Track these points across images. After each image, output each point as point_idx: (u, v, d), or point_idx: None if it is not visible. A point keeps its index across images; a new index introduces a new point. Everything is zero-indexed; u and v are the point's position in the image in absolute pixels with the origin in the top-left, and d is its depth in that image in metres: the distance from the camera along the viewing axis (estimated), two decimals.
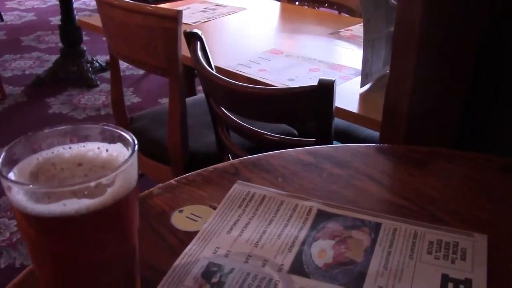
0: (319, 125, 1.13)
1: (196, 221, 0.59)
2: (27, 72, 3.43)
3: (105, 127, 0.44)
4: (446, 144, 0.85)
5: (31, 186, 0.40)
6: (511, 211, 0.61)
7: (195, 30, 1.29)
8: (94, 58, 3.42)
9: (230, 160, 1.14)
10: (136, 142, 0.42)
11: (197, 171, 0.68)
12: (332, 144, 1.10)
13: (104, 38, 1.57)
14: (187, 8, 2.09)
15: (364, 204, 0.61)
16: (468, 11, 0.83)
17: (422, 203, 0.62)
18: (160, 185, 0.65)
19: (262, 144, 1.25)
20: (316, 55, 1.61)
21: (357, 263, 0.52)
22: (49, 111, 2.91)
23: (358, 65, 1.42)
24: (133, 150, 0.41)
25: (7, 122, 2.81)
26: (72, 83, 3.22)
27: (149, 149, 1.58)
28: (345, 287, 0.50)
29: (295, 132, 1.62)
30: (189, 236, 0.56)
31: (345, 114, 1.27)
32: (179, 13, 1.35)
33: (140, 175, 1.71)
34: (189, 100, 1.65)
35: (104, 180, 0.38)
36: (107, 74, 3.33)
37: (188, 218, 0.59)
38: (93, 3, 4.95)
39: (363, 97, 1.35)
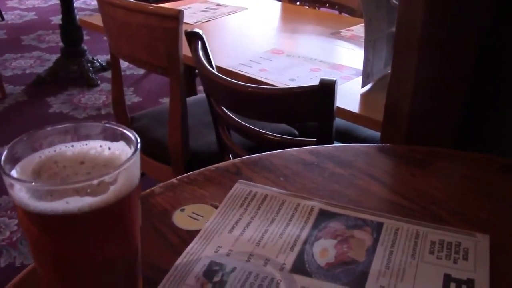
0: (320, 125, 1.13)
1: (197, 220, 0.59)
2: (27, 72, 3.43)
3: (108, 125, 0.44)
4: (447, 144, 0.86)
5: (33, 183, 0.39)
6: None
7: (196, 30, 1.29)
8: (94, 58, 3.42)
9: (230, 160, 1.14)
10: (139, 140, 0.42)
11: (199, 170, 0.68)
12: (333, 144, 1.10)
13: (104, 38, 1.57)
14: (188, 7, 2.09)
15: (366, 204, 0.61)
16: (469, 11, 0.83)
17: (423, 203, 0.62)
18: (162, 184, 0.65)
19: (263, 144, 1.25)
20: (317, 55, 1.61)
21: (359, 262, 0.52)
22: (50, 111, 2.91)
23: (359, 65, 1.42)
24: (136, 148, 0.41)
25: (7, 121, 2.81)
26: (73, 82, 3.22)
27: (149, 149, 1.58)
28: (347, 287, 0.49)
29: (296, 132, 1.62)
30: (191, 235, 0.56)
31: (346, 114, 1.27)
32: (180, 12, 1.35)
33: (141, 175, 1.70)
34: (189, 99, 1.65)
35: (106, 178, 0.38)
36: (107, 74, 3.33)
37: (190, 217, 0.59)
38: (94, 2, 4.95)
39: (364, 97, 1.35)
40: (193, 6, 2.12)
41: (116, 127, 0.44)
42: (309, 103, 1.11)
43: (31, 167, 0.42)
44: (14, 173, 0.40)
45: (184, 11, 1.38)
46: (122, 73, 1.75)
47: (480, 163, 0.71)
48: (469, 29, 0.84)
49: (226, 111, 1.30)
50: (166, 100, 2.99)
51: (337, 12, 2.32)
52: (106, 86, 3.18)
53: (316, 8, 2.36)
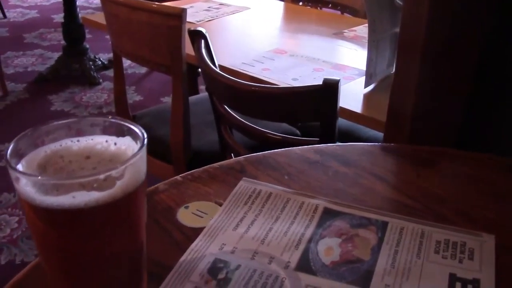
0: (323, 124, 1.13)
1: (202, 217, 0.59)
2: (29, 69, 3.43)
3: (114, 120, 0.44)
4: (449, 145, 0.85)
5: (39, 177, 0.39)
6: None
7: (199, 28, 1.29)
8: (96, 56, 3.42)
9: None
10: (145, 135, 0.41)
11: (203, 167, 0.68)
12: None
13: (107, 36, 1.57)
14: (191, 7, 2.09)
15: (370, 203, 0.61)
16: (473, 12, 0.83)
17: (428, 202, 0.62)
18: (166, 181, 0.65)
19: (265, 143, 1.25)
20: (320, 55, 1.61)
21: (364, 261, 0.52)
22: (51, 109, 2.91)
23: (362, 66, 1.42)
24: (143, 144, 0.41)
25: (9, 119, 2.81)
26: (74, 80, 3.22)
27: (151, 147, 1.57)
28: (352, 285, 0.49)
29: (298, 132, 1.61)
30: (195, 232, 0.56)
31: (348, 114, 1.27)
32: (183, 11, 1.35)
33: None
34: (191, 98, 1.65)
35: (113, 173, 0.38)
36: (109, 72, 3.33)
37: (194, 214, 0.59)
38: (96, 1, 4.96)
39: (367, 97, 1.35)
40: (195, 5, 2.12)
41: (122, 122, 0.44)
42: (312, 102, 1.11)
43: (37, 161, 0.42)
44: (20, 167, 0.40)
45: (187, 10, 1.38)
46: (124, 71, 1.75)
47: (485, 163, 0.71)
48: (473, 29, 0.84)
49: (229, 110, 1.30)
50: (167, 99, 2.99)
51: (339, 12, 2.32)
52: (108, 85, 3.18)
53: (318, 8, 2.36)
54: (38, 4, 4.95)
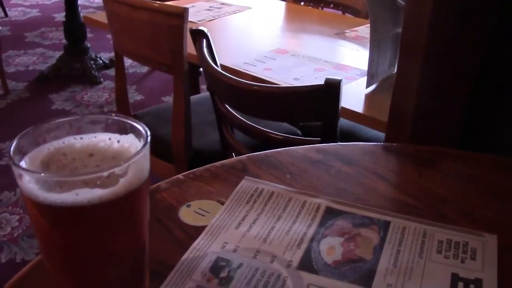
0: (324, 124, 1.13)
1: (204, 216, 0.59)
2: (30, 68, 3.43)
3: (117, 118, 0.44)
4: (451, 145, 0.85)
5: (42, 174, 0.39)
6: None
7: (201, 28, 1.29)
8: (97, 55, 3.42)
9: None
10: (149, 133, 0.41)
11: (205, 166, 0.68)
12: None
13: (108, 36, 1.57)
14: (192, 6, 2.09)
15: (372, 202, 0.61)
16: (476, 12, 0.82)
17: (430, 202, 0.62)
18: (168, 179, 0.65)
19: (266, 143, 1.25)
20: (322, 55, 1.61)
21: (366, 260, 0.52)
22: (52, 107, 2.91)
23: (364, 66, 1.42)
24: (146, 141, 0.41)
25: (10, 117, 2.81)
26: (76, 79, 3.22)
27: (152, 147, 1.57)
28: (354, 284, 0.49)
29: (299, 132, 1.61)
30: (197, 230, 0.56)
31: (350, 114, 1.27)
32: (185, 10, 1.35)
33: None
34: (193, 98, 1.65)
35: (117, 170, 0.38)
36: (110, 72, 3.33)
37: (196, 212, 0.59)
38: (97, 0, 4.95)
39: (369, 97, 1.35)
40: (197, 5, 2.12)
41: (125, 120, 0.44)
42: (314, 102, 1.11)
43: (40, 158, 0.42)
44: (23, 164, 0.40)
45: (189, 9, 1.38)
46: (125, 71, 1.75)
47: (487, 163, 0.71)
48: (474, 30, 0.84)
49: (230, 109, 1.30)
50: (168, 99, 2.99)
51: (340, 12, 2.32)
52: (109, 84, 3.18)
53: (320, 8, 2.36)
54: (40, 3, 4.95)
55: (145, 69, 3.41)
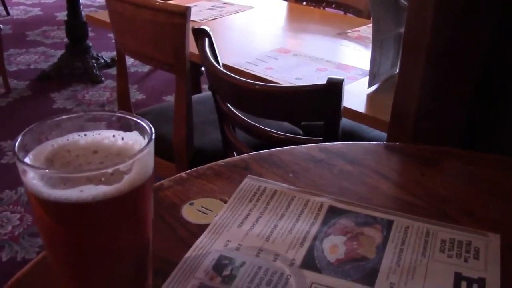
0: (326, 124, 1.13)
1: (206, 214, 0.59)
2: (32, 67, 3.43)
3: (121, 115, 0.44)
4: (453, 145, 0.85)
5: (47, 170, 0.39)
6: None
7: (203, 27, 1.29)
8: (99, 54, 3.42)
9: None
10: (153, 130, 0.41)
11: (208, 164, 0.68)
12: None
13: (109, 35, 1.57)
14: (194, 5, 2.08)
15: (375, 201, 0.61)
16: (478, 13, 0.82)
17: (433, 201, 0.62)
18: (171, 177, 0.65)
19: (268, 142, 1.25)
20: (324, 55, 1.61)
21: (369, 259, 0.52)
22: (53, 106, 2.91)
23: (366, 66, 1.42)
24: (150, 138, 0.41)
25: (11, 116, 2.81)
26: (77, 78, 3.22)
27: (153, 146, 1.58)
28: (357, 283, 0.49)
29: (300, 131, 1.61)
30: (200, 228, 0.56)
31: (352, 114, 1.27)
32: (188, 9, 1.35)
33: None
34: (194, 97, 1.65)
35: (121, 167, 0.38)
36: (112, 71, 3.33)
37: (199, 211, 0.59)
38: None
39: (370, 97, 1.35)
40: (199, 4, 2.12)
41: (129, 117, 0.44)
42: (316, 102, 1.11)
43: (44, 155, 0.42)
44: (27, 160, 0.40)
45: (191, 8, 1.38)
46: (127, 70, 1.75)
47: (489, 163, 0.71)
48: (477, 30, 0.83)
49: (232, 108, 1.30)
50: (169, 98, 2.99)
51: (342, 12, 2.32)
52: (110, 83, 3.18)
53: (322, 8, 2.36)
54: (41, 1, 4.95)
55: (146, 68, 3.41)
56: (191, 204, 0.60)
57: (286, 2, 2.28)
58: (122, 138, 0.43)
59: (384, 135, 1.22)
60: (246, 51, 1.64)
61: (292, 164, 0.68)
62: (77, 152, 0.42)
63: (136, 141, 0.43)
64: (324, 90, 1.07)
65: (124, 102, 1.75)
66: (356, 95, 1.33)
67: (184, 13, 1.34)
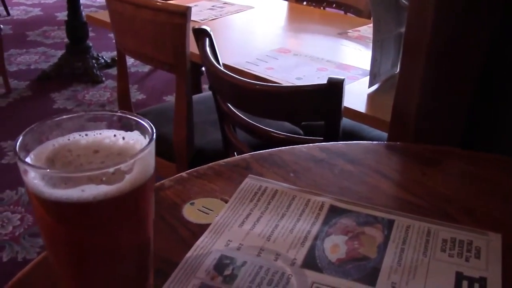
0: (327, 124, 1.13)
1: (207, 214, 0.59)
2: (32, 67, 3.44)
3: (122, 114, 0.44)
4: (454, 145, 0.85)
5: (48, 170, 0.39)
6: None
7: (204, 27, 1.29)
8: (99, 55, 3.42)
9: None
10: (154, 130, 0.41)
11: (208, 164, 0.68)
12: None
13: (110, 35, 1.57)
14: (195, 5, 2.08)
15: (376, 201, 0.61)
16: (478, 13, 0.82)
17: (434, 201, 0.62)
18: (171, 177, 0.65)
19: (269, 142, 1.25)
20: (324, 54, 1.61)
21: (370, 259, 0.52)
22: (54, 106, 2.91)
23: (366, 66, 1.42)
24: (152, 138, 0.41)
25: (11, 116, 2.81)
26: (77, 78, 3.22)
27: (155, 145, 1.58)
28: (358, 283, 0.49)
29: (301, 131, 1.61)
30: (201, 228, 0.56)
31: (352, 114, 1.27)
32: (188, 9, 1.35)
33: None
34: (194, 97, 1.65)
35: (122, 167, 0.38)
36: (112, 71, 3.33)
37: (200, 210, 0.59)
38: None
39: (371, 97, 1.35)
40: (199, 4, 2.12)
41: (130, 117, 0.44)
42: (317, 101, 1.11)
43: (45, 155, 0.42)
44: (28, 160, 0.40)
45: (191, 8, 1.38)
46: (127, 70, 1.75)
47: (490, 163, 0.71)
48: (477, 30, 0.83)
49: (232, 108, 1.30)
50: (170, 98, 2.99)
51: (342, 12, 2.33)
52: (111, 83, 3.18)
53: (322, 8, 2.36)
54: (42, 2, 4.95)
55: (146, 68, 3.41)
56: (192, 204, 0.60)
57: (286, 2, 2.28)
58: (123, 138, 0.43)
59: (384, 135, 1.22)
60: (247, 51, 1.64)
61: (293, 164, 0.68)
62: (78, 152, 0.42)
63: (137, 141, 0.43)
64: (325, 90, 1.07)
65: (124, 102, 1.75)
66: (356, 95, 1.33)
67: (184, 13, 1.34)
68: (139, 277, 0.44)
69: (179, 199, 0.61)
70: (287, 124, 1.60)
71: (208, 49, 1.27)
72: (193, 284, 0.49)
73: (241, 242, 0.54)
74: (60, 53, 3.47)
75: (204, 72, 1.66)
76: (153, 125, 0.43)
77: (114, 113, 0.44)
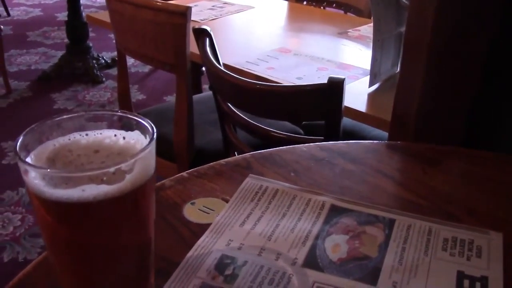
0: (327, 123, 1.13)
1: (208, 213, 0.59)
2: (32, 68, 3.44)
3: (122, 114, 0.44)
4: (454, 144, 0.85)
5: (48, 170, 0.39)
6: None
7: (204, 27, 1.29)
8: (99, 55, 3.42)
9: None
10: (155, 129, 0.41)
11: (209, 164, 0.68)
12: None
13: (110, 35, 1.57)
14: (195, 5, 2.08)
15: (377, 200, 0.61)
16: (479, 12, 0.82)
17: (435, 200, 0.62)
18: (172, 177, 0.65)
19: (269, 142, 1.25)
20: (324, 54, 1.61)
21: (371, 258, 0.52)
22: (54, 107, 2.91)
23: (366, 65, 1.42)
24: (152, 137, 0.41)
25: (12, 117, 2.81)
26: (78, 79, 3.22)
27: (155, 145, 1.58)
28: (360, 282, 0.49)
29: (301, 131, 1.61)
30: (202, 228, 0.56)
31: (353, 113, 1.27)
32: (188, 9, 1.35)
33: None
34: (195, 97, 1.65)
35: (123, 166, 0.38)
36: (112, 71, 3.33)
37: (200, 210, 0.59)
38: None
39: (371, 97, 1.35)
40: (200, 4, 2.12)
41: (131, 116, 0.44)
42: (317, 101, 1.11)
43: (46, 155, 0.42)
44: (28, 160, 0.40)
45: (192, 8, 1.38)
46: (127, 70, 1.75)
47: (492, 162, 0.71)
48: (478, 29, 0.83)
49: (233, 108, 1.30)
50: (170, 98, 2.99)
51: (342, 12, 2.32)
52: (111, 83, 3.18)
53: (322, 7, 2.36)
54: (42, 2, 4.95)
55: (147, 68, 3.41)
56: (193, 203, 0.60)
57: (286, 2, 2.28)
58: (124, 138, 0.43)
59: (385, 134, 1.22)
60: (247, 50, 1.64)
61: (293, 163, 0.68)
62: (78, 152, 0.42)
63: (137, 141, 0.43)
64: (325, 89, 1.07)
65: (124, 103, 1.75)
66: (357, 95, 1.33)
67: (184, 13, 1.34)
68: (140, 277, 0.44)
69: (180, 199, 0.61)
70: (287, 124, 1.60)
71: (208, 49, 1.27)
72: (194, 283, 0.48)
73: (242, 241, 0.54)
74: (60, 53, 3.47)
75: (205, 72, 1.66)
76: (154, 125, 0.42)
77: (115, 113, 0.44)
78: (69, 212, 0.38)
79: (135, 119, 0.43)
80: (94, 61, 3.30)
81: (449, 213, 0.59)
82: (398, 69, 1.35)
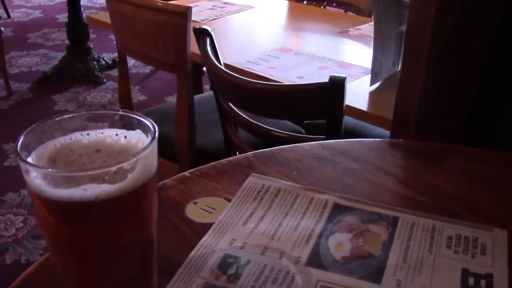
0: (329, 122, 1.12)
1: (210, 213, 0.58)
2: (33, 69, 3.44)
3: (124, 113, 0.44)
4: (456, 142, 0.85)
5: (50, 170, 0.39)
6: None
7: (205, 27, 1.29)
8: (100, 56, 3.42)
9: None
10: (156, 128, 0.41)
11: (211, 163, 0.67)
12: None
13: (110, 36, 1.57)
14: (195, 5, 2.08)
15: (380, 198, 0.61)
16: (480, 11, 0.82)
17: (438, 198, 0.61)
18: (174, 177, 0.65)
19: (271, 141, 1.25)
20: (325, 53, 1.60)
21: (375, 256, 0.52)
22: (55, 108, 2.91)
23: (367, 64, 1.42)
24: (154, 136, 0.40)
25: (13, 118, 2.81)
26: (78, 80, 3.22)
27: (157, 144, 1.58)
28: (363, 280, 0.49)
29: (302, 130, 1.61)
30: (204, 227, 0.56)
31: (354, 112, 1.27)
32: (188, 9, 1.35)
33: None
34: (196, 97, 1.64)
35: (125, 165, 0.38)
36: (113, 72, 3.33)
37: (203, 210, 0.59)
38: (100, 0, 4.96)
39: (373, 95, 1.35)
40: (200, 4, 2.12)
41: (132, 115, 0.43)
42: (318, 100, 1.10)
43: (47, 154, 0.41)
44: (30, 160, 0.40)
45: (192, 8, 1.38)
46: (128, 71, 1.75)
47: (494, 160, 0.71)
48: (479, 28, 0.83)
49: (234, 108, 1.29)
50: (171, 99, 2.99)
51: (343, 11, 2.32)
52: (112, 84, 3.18)
53: (322, 7, 2.36)
54: (42, 4, 4.95)
55: (148, 69, 3.41)
56: (195, 203, 0.60)
57: (287, 1, 2.28)
58: (125, 137, 0.43)
59: (386, 133, 1.22)
60: (248, 50, 1.63)
61: (295, 162, 0.68)
62: (80, 151, 0.42)
63: (139, 140, 0.43)
64: (327, 88, 1.06)
65: (125, 103, 1.75)
66: (358, 93, 1.32)
67: (185, 13, 1.34)
68: (143, 277, 0.44)
69: (182, 198, 0.61)
70: (289, 123, 1.59)
71: (209, 49, 1.27)
72: (197, 283, 0.48)
73: (245, 241, 0.54)
74: (61, 55, 3.47)
75: (205, 72, 1.66)
76: None
77: (116, 112, 0.44)
78: (70, 211, 0.38)
79: (137, 118, 0.43)
80: (95, 62, 3.30)
81: (451, 210, 0.59)
82: (399, 68, 1.35)
